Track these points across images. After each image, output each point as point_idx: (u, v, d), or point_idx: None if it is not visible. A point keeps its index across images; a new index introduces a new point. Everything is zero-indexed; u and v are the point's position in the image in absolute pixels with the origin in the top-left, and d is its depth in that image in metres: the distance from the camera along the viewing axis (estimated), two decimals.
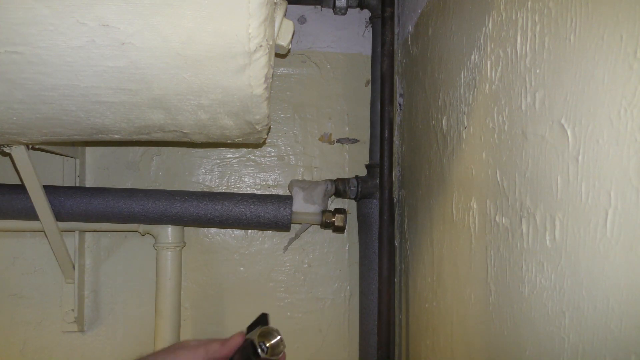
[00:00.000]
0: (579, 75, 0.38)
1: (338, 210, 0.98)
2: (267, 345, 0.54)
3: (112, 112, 0.60)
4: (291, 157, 1.09)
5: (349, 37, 1.09)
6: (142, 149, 1.08)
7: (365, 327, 0.99)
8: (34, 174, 0.83)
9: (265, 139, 0.79)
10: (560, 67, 0.41)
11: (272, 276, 1.09)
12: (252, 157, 1.09)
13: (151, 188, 1.01)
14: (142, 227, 0.97)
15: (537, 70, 0.45)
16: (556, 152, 0.41)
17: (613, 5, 0.34)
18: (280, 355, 0.55)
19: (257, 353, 0.53)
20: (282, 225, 0.95)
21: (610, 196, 0.34)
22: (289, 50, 0.64)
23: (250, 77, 0.55)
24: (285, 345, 0.55)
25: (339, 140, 1.10)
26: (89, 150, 1.06)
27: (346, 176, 1.05)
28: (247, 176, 1.09)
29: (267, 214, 0.93)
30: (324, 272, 1.10)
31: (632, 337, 0.33)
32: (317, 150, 1.09)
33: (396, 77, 1.03)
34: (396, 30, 1.04)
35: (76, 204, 0.91)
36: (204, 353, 0.55)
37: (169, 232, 0.97)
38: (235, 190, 1.09)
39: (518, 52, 0.48)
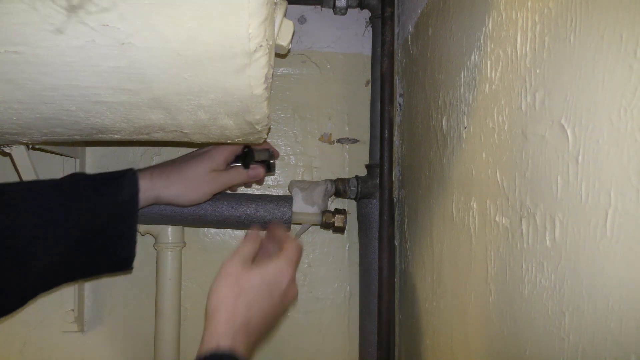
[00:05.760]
0: (579, 75, 0.38)
1: (338, 211, 0.98)
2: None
3: (112, 112, 0.60)
4: (291, 157, 1.09)
5: (349, 37, 1.09)
6: (142, 149, 1.08)
7: (365, 327, 0.99)
8: (34, 174, 0.83)
9: (265, 139, 0.79)
10: (560, 67, 0.41)
11: None
12: None
13: None
14: (142, 227, 0.97)
15: (537, 70, 0.45)
16: (556, 152, 0.41)
17: (613, 5, 0.34)
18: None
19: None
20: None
21: (610, 196, 0.34)
22: (289, 50, 0.64)
23: (250, 77, 0.55)
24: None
25: (339, 140, 1.10)
26: (89, 150, 1.05)
27: (346, 176, 1.05)
28: None
29: (267, 214, 0.93)
30: (324, 272, 1.10)
31: (632, 337, 0.33)
32: (317, 150, 1.09)
33: (396, 77, 1.03)
34: (396, 30, 1.04)
35: None
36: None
37: (169, 232, 0.97)
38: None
39: (518, 52, 0.48)
